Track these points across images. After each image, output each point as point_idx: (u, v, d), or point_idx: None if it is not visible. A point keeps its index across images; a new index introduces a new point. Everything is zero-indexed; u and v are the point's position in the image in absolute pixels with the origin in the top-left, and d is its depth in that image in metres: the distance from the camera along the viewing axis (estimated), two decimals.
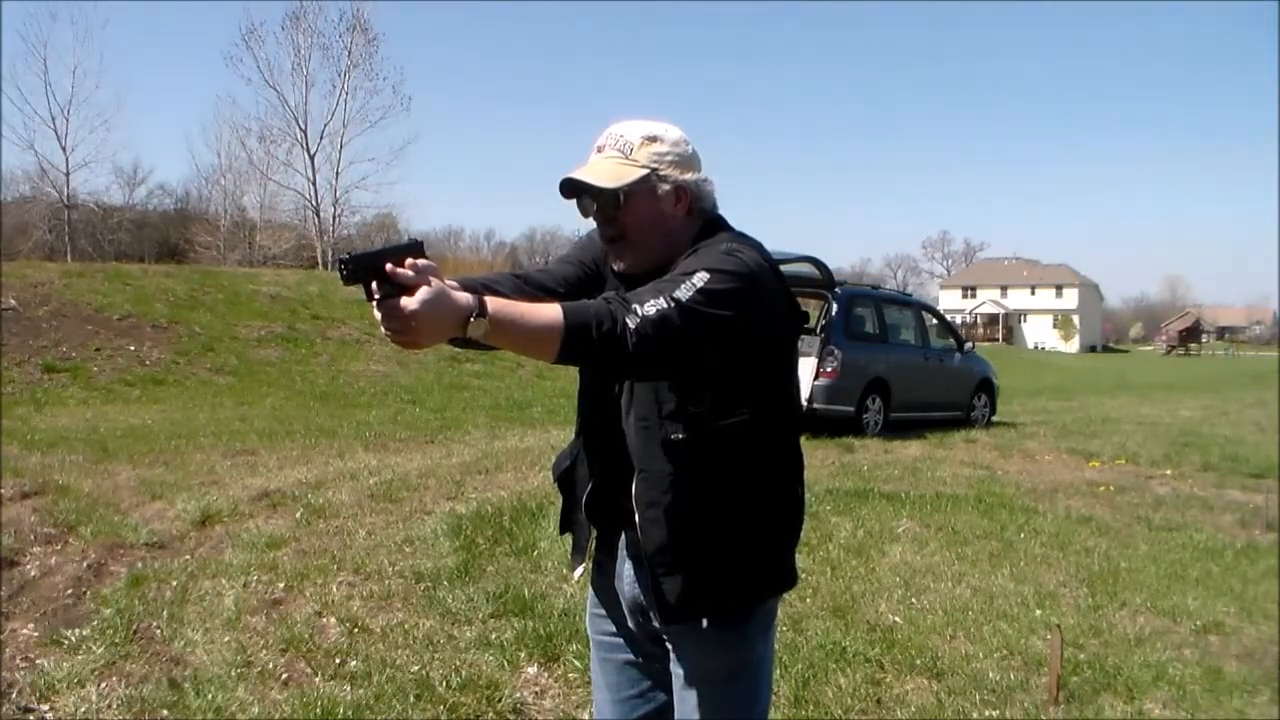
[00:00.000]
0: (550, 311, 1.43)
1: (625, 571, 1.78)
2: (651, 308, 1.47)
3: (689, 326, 1.48)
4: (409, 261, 1.37)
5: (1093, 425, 12.58)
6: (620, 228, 1.67)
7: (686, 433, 1.63)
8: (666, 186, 1.68)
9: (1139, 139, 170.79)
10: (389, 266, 1.35)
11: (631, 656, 1.84)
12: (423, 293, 1.34)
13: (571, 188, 1.67)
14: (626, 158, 1.66)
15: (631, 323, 1.44)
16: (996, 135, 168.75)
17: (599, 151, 1.69)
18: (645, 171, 1.66)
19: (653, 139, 1.68)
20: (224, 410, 10.61)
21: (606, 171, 1.65)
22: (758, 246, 1.69)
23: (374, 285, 1.36)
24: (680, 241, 1.69)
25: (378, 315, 1.36)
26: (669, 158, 1.68)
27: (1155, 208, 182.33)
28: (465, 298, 1.38)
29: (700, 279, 1.52)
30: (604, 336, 1.43)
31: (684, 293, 1.50)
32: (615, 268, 1.72)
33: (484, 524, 5.23)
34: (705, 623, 1.67)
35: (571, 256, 1.82)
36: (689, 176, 1.69)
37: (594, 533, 1.81)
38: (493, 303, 1.40)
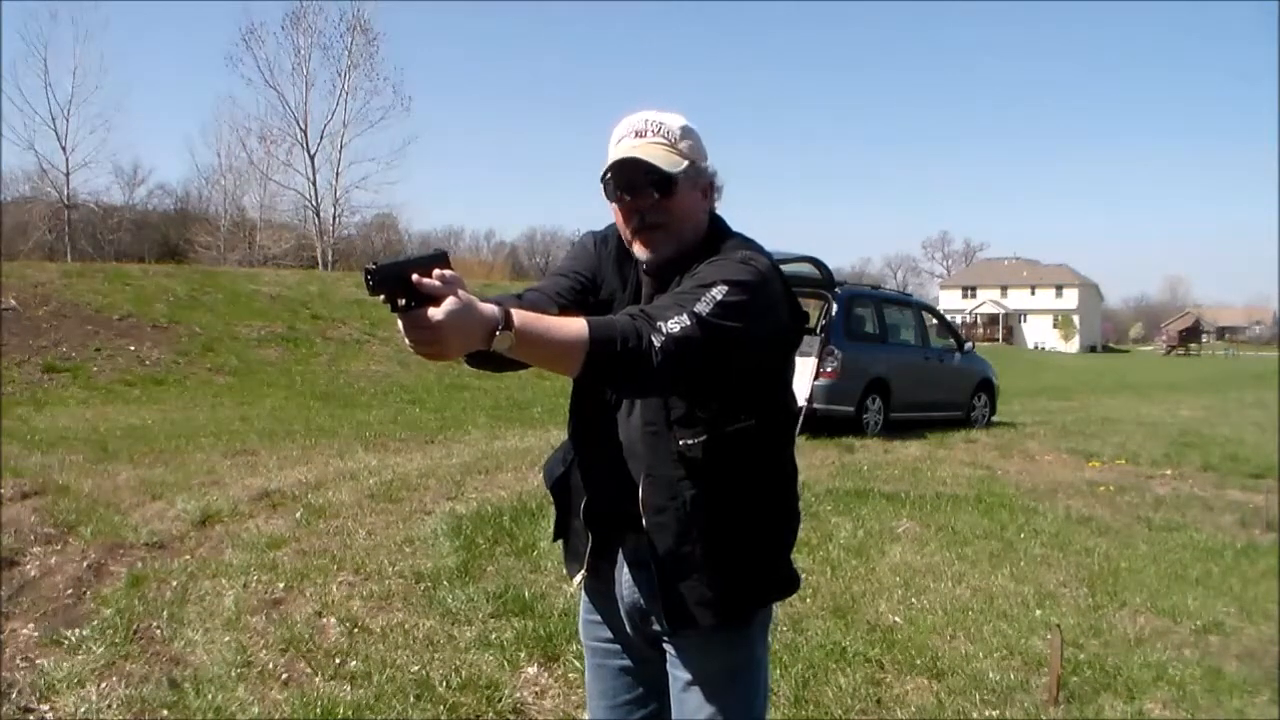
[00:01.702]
0: (576, 326, 1.42)
1: (625, 577, 1.77)
2: (676, 325, 1.46)
3: (711, 342, 1.48)
4: (435, 272, 1.34)
5: (1093, 425, 12.58)
6: (665, 215, 1.65)
7: (695, 438, 1.63)
8: (704, 180, 1.69)
9: (1139, 139, 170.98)
10: (415, 277, 1.33)
11: (627, 662, 1.84)
12: (449, 304, 1.32)
13: (616, 167, 1.63)
14: (672, 146, 1.65)
15: (657, 340, 1.44)
16: (996, 135, 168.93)
17: (639, 136, 1.66)
18: (688, 162, 1.66)
19: (689, 131, 1.68)
20: (224, 410, 10.61)
21: (661, 157, 1.63)
22: (764, 251, 1.69)
23: (399, 295, 1.33)
24: (700, 235, 1.69)
25: (402, 326, 1.34)
26: (701, 151, 1.69)
27: (1155, 208, 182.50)
28: (491, 310, 1.36)
29: (719, 291, 1.52)
30: (629, 353, 1.42)
31: (704, 306, 1.50)
32: (643, 256, 1.69)
33: (484, 524, 5.23)
34: (711, 626, 1.67)
35: (565, 268, 1.80)
36: (713, 172, 1.72)
37: (591, 539, 1.79)
38: (519, 315, 1.38)
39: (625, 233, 1.70)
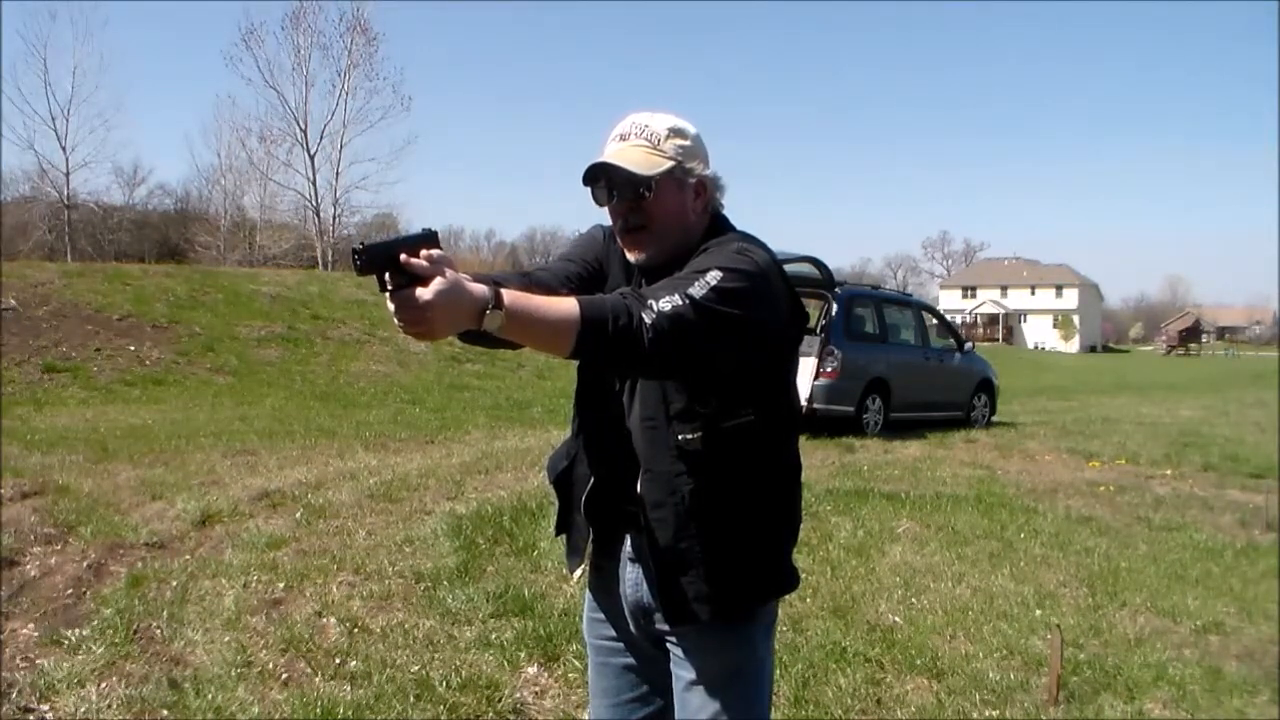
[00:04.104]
0: (566, 305, 1.42)
1: (628, 574, 1.77)
2: (667, 304, 1.46)
3: (704, 324, 1.48)
4: (423, 252, 1.34)
5: (1093, 425, 12.58)
6: (645, 217, 1.66)
7: (694, 433, 1.63)
8: (691, 180, 1.69)
9: (1139, 139, 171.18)
10: (403, 257, 1.33)
11: (631, 660, 1.84)
12: (437, 283, 1.32)
13: (593, 173, 1.65)
14: (655, 148, 1.66)
15: (648, 318, 1.44)
16: (996, 135, 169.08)
17: (623, 140, 1.67)
18: (673, 163, 1.66)
19: (677, 131, 1.68)
20: (224, 410, 10.60)
21: (638, 159, 1.64)
22: (765, 246, 1.69)
23: (387, 276, 1.34)
24: (695, 235, 1.69)
25: (391, 306, 1.34)
26: (692, 151, 1.69)
27: (1155, 208, 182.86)
28: (481, 289, 1.36)
29: (714, 277, 1.52)
30: (620, 331, 1.42)
31: (699, 290, 1.49)
32: (632, 259, 1.70)
33: (484, 524, 5.23)
34: (712, 623, 1.67)
35: (572, 254, 1.80)
36: (707, 172, 1.71)
37: (592, 534, 1.79)
38: (509, 294, 1.38)
39: (618, 236, 1.72)
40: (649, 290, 1.51)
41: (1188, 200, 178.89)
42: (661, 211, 1.66)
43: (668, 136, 1.67)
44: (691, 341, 1.48)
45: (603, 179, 1.66)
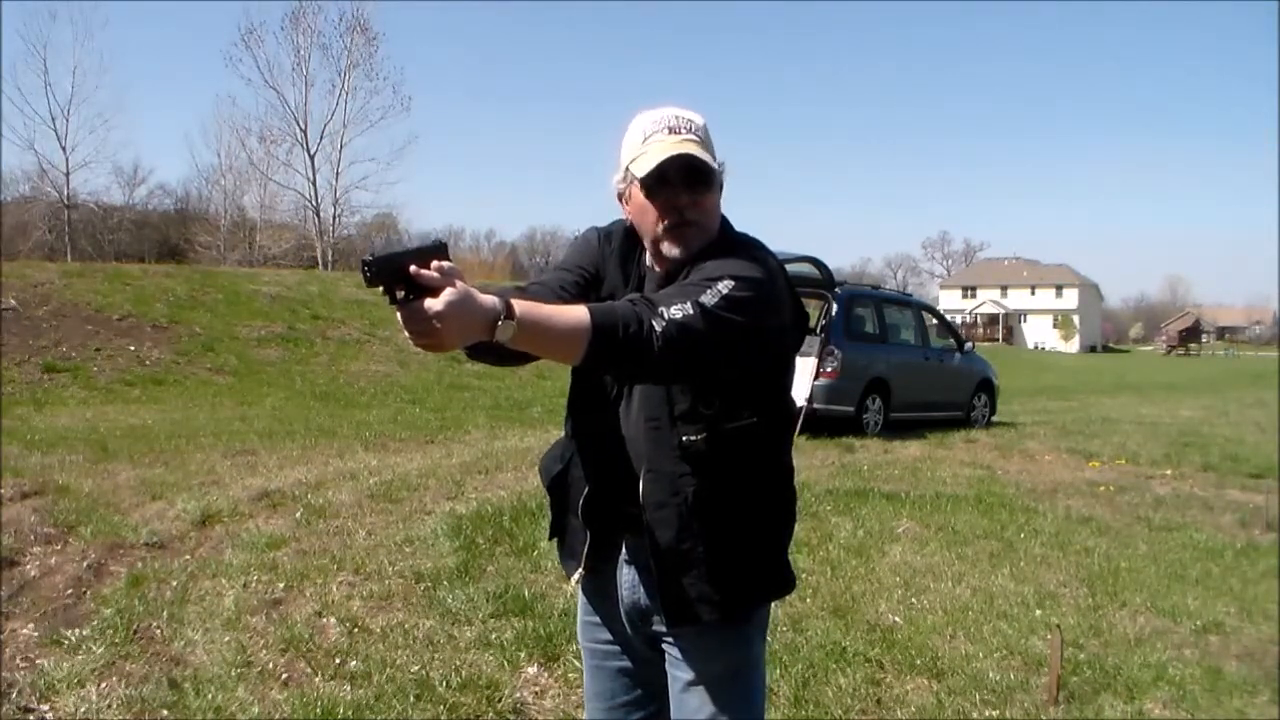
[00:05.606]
0: (577, 313, 1.41)
1: (625, 576, 1.77)
2: (678, 311, 1.45)
3: (714, 333, 1.48)
4: (434, 263, 1.33)
5: (1093, 425, 12.58)
6: (700, 212, 1.64)
7: (698, 434, 1.63)
8: (723, 176, 1.68)
9: (1139, 139, 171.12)
10: (413, 268, 1.32)
11: (626, 664, 1.84)
12: (448, 294, 1.31)
13: (678, 164, 1.59)
14: (704, 144, 1.64)
15: (658, 326, 1.43)
16: (997, 135, 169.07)
17: (673, 133, 1.61)
18: (719, 161, 1.65)
19: (707, 130, 1.67)
20: (224, 410, 10.61)
21: (704, 154, 1.61)
22: (768, 250, 1.69)
23: (397, 287, 1.33)
24: (716, 235, 1.67)
25: (401, 318, 1.33)
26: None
27: (1155, 208, 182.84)
28: (491, 300, 1.35)
29: (726, 286, 1.51)
30: (630, 338, 1.41)
31: (710, 298, 1.49)
32: (673, 254, 1.64)
33: (484, 524, 5.22)
34: (712, 624, 1.67)
35: (568, 263, 1.78)
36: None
37: (589, 537, 1.78)
38: (519, 304, 1.37)
39: (654, 229, 1.64)
40: (659, 297, 1.50)
41: (1188, 200, 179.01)
42: (711, 207, 1.66)
43: (707, 134, 1.66)
44: (701, 350, 1.48)
45: (679, 170, 1.59)
